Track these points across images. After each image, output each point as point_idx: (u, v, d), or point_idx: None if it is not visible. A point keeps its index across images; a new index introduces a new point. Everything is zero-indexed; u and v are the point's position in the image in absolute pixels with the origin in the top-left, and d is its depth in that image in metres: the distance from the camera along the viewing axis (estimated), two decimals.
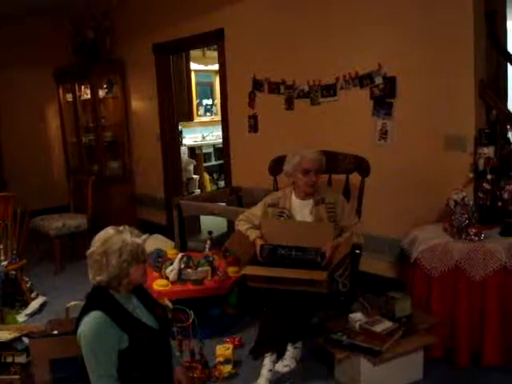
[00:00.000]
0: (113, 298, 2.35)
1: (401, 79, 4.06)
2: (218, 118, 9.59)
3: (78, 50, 6.90)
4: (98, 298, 2.33)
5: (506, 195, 3.40)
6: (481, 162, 3.58)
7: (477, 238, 3.27)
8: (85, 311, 2.30)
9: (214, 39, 5.52)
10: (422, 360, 3.16)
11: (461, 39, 3.70)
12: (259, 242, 3.36)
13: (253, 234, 3.44)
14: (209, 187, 8.83)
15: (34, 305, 4.48)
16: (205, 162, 9.05)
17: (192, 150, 8.82)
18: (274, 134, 5.02)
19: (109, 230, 2.40)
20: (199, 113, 9.65)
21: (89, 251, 2.37)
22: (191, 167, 8.34)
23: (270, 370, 3.10)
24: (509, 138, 3.92)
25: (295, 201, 3.53)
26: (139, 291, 2.53)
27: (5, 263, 4.35)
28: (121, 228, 2.42)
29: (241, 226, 3.56)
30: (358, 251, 3.41)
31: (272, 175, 4.08)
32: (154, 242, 4.86)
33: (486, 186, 3.53)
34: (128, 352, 2.26)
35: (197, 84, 9.26)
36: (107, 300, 2.33)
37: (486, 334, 3.18)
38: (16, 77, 7.06)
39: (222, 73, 5.53)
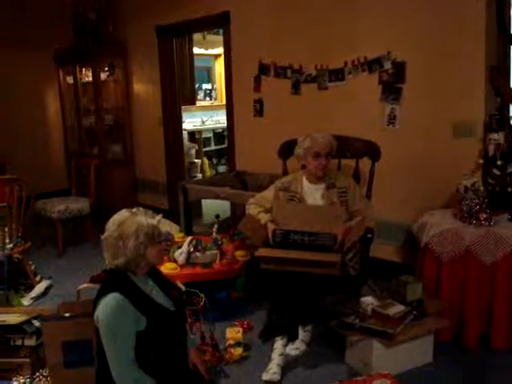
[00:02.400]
0: (130, 280, 2.34)
1: (410, 64, 4.05)
2: (218, 102, 9.62)
3: (79, 31, 6.80)
4: (116, 280, 2.33)
5: None
6: (491, 148, 3.60)
7: (487, 223, 3.29)
8: (102, 293, 2.29)
9: (219, 22, 5.48)
10: (433, 343, 3.18)
11: (471, 25, 3.69)
12: (271, 226, 3.37)
13: (264, 218, 3.44)
14: (208, 172, 8.81)
15: (40, 288, 4.46)
16: (204, 146, 9.01)
17: (191, 134, 8.79)
18: (280, 118, 5.00)
19: (123, 213, 2.39)
20: (198, 97, 9.60)
21: (104, 235, 2.35)
22: (193, 151, 8.32)
23: (281, 354, 3.12)
24: None
25: (306, 185, 3.53)
26: (154, 273, 2.53)
27: (10, 246, 4.32)
28: (134, 210, 2.42)
29: (252, 209, 3.56)
30: (369, 235, 3.42)
31: (282, 159, 4.07)
32: (161, 226, 4.84)
33: (496, 171, 3.55)
34: (145, 334, 2.26)
35: (196, 68, 9.20)
36: (125, 282, 2.32)
37: (494, 318, 3.23)
38: (15, 58, 6.94)
39: (227, 56, 5.49)
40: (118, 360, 2.21)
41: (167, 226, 4.57)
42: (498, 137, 3.58)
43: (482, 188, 3.41)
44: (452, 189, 3.61)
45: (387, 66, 4.14)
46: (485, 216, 3.30)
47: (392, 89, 4.15)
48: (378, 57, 4.18)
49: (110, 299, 2.23)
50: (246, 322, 3.69)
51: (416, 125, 4.07)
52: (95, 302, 2.31)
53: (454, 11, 3.75)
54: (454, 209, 3.55)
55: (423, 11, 3.91)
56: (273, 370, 3.05)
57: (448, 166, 3.89)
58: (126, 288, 2.29)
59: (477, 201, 3.33)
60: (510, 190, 3.47)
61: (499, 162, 3.54)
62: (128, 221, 2.33)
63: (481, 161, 3.68)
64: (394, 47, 4.09)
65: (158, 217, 2.45)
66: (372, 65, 4.24)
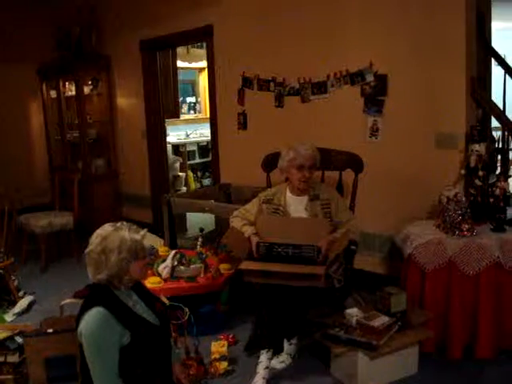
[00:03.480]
0: (113, 294, 2.33)
1: (392, 77, 4.09)
2: (202, 115, 9.62)
3: (63, 45, 6.80)
4: (99, 295, 2.31)
5: (497, 191, 3.44)
6: (472, 159, 3.62)
7: (469, 234, 3.31)
8: (85, 308, 2.27)
9: (202, 36, 5.50)
10: (417, 354, 3.19)
11: (452, 37, 3.74)
12: (255, 239, 3.37)
13: (248, 231, 3.44)
14: (193, 185, 8.79)
15: (23, 304, 4.41)
16: (189, 159, 9.00)
17: (176, 147, 8.77)
18: (263, 131, 5.02)
19: (106, 228, 2.37)
20: (183, 110, 9.59)
21: (87, 249, 2.33)
22: (177, 165, 8.31)
23: (266, 368, 3.10)
24: (493, 137, 3.99)
25: (290, 197, 3.53)
26: (138, 287, 2.51)
27: None
28: (118, 224, 2.40)
29: (236, 222, 3.56)
30: (353, 247, 3.43)
31: (265, 171, 4.08)
32: (145, 240, 4.82)
33: (478, 182, 3.57)
34: (129, 348, 2.24)
35: (180, 82, 9.20)
36: (108, 297, 2.30)
37: (479, 328, 3.23)
38: None
39: (210, 70, 5.52)
40: (101, 375, 2.19)
41: (151, 240, 4.55)
42: (480, 148, 3.60)
43: (464, 199, 3.44)
44: (434, 200, 3.64)
45: (369, 78, 4.18)
46: (467, 227, 3.32)
47: (374, 101, 4.19)
48: (360, 70, 4.22)
49: (94, 314, 2.21)
50: (230, 336, 3.67)
51: (398, 137, 4.10)
52: (78, 317, 2.28)
53: (435, 24, 3.80)
54: (436, 220, 3.57)
55: (404, 24, 3.96)
56: (258, 382, 3.03)
57: (430, 177, 3.92)
58: (110, 302, 2.27)
59: (459, 211, 3.35)
60: (491, 200, 3.48)
61: (481, 173, 3.56)
62: (111, 236, 2.31)
63: (463, 172, 3.71)
64: (375, 60, 4.13)
65: (143, 232, 2.44)
66: (354, 77, 4.27)
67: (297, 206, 3.51)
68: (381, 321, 3.06)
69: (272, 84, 4.87)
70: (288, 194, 3.55)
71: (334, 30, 4.37)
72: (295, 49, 4.65)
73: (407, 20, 3.94)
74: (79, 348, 2.29)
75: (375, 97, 4.18)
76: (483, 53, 3.95)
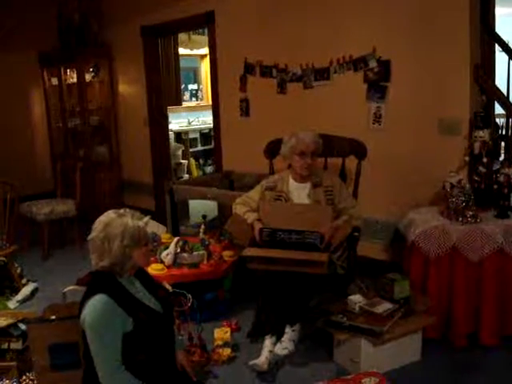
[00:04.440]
0: (116, 281, 2.32)
1: (395, 63, 4.06)
2: (204, 103, 9.60)
3: (64, 32, 6.77)
4: (102, 282, 2.30)
5: (501, 178, 3.42)
6: (476, 146, 3.60)
7: (473, 221, 3.30)
8: (88, 295, 2.26)
9: (204, 22, 5.46)
10: (421, 341, 3.19)
11: (456, 23, 3.71)
12: (257, 225, 3.36)
13: (251, 217, 3.44)
14: (195, 173, 8.79)
15: (26, 291, 4.42)
16: (191, 147, 8.99)
17: (178, 135, 8.76)
18: (266, 117, 5.00)
19: (110, 214, 2.35)
20: (185, 98, 9.57)
21: (90, 236, 2.32)
22: (179, 152, 8.30)
23: (270, 351, 3.12)
24: (497, 123, 3.96)
25: (293, 184, 3.53)
26: (141, 274, 2.50)
27: None
28: (122, 211, 2.38)
29: (238, 209, 3.56)
30: (356, 234, 3.43)
31: (268, 158, 4.06)
32: (148, 227, 4.82)
33: (482, 169, 3.55)
34: (132, 335, 2.23)
35: (181, 69, 9.17)
36: (111, 283, 2.30)
37: (482, 315, 3.23)
38: None
39: (212, 56, 5.49)
40: (104, 362, 2.19)
41: (154, 227, 4.55)
42: (484, 134, 3.58)
43: (467, 185, 3.42)
44: (438, 186, 3.62)
45: (372, 64, 4.15)
46: (471, 213, 3.31)
47: (377, 87, 4.16)
48: (363, 55, 4.19)
49: (97, 301, 2.20)
50: (233, 322, 3.67)
51: (402, 123, 4.08)
52: (81, 304, 2.28)
53: (439, 10, 3.76)
54: (440, 206, 3.56)
55: (408, 10, 3.92)
56: (262, 359, 3.06)
57: (434, 164, 3.89)
58: (113, 289, 2.27)
59: (463, 198, 3.34)
60: (495, 187, 3.47)
61: (485, 160, 3.55)
62: (114, 222, 2.30)
63: (466, 158, 3.69)
64: (379, 46, 4.10)
65: (146, 218, 2.42)
66: (357, 63, 4.24)
67: (300, 192, 3.50)
68: (384, 307, 3.07)
69: (274, 70, 4.84)
70: (291, 180, 3.54)
71: (337, 16, 4.33)
72: (298, 35, 4.61)
73: (411, 5, 3.91)
74: (82, 335, 2.29)
75: (378, 83, 4.15)
76: (487, 38, 3.91)
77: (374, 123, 4.22)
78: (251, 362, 3.07)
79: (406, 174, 4.08)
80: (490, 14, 4.08)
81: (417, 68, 3.95)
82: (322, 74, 4.48)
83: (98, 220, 2.35)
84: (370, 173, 4.01)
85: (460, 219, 3.32)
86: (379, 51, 4.10)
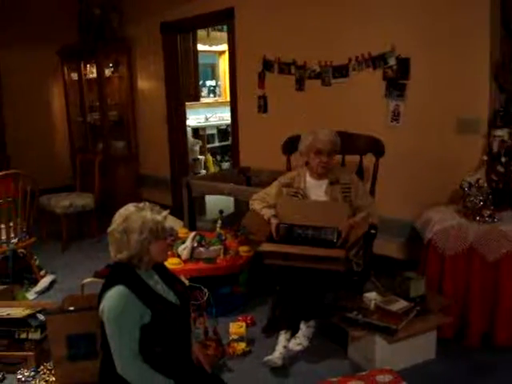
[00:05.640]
0: (135, 273, 2.35)
1: (414, 61, 4.04)
2: (222, 99, 9.62)
3: (84, 28, 6.83)
4: (121, 274, 2.33)
5: None
6: (495, 145, 3.58)
7: (491, 220, 3.28)
8: (107, 286, 2.29)
9: (223, 18, 5.49)
10: (435, 340, 3.18)
11: (476, 21, 3.68)
12: (274, 221, 3.38)
13: (268, 213, 3.45)
14: (212, 168, 8.82)
15: (44, 282, 4.48)
16: (208, 143, 9.02)
17: (195, 131, 8.80)
18: (284, 114, 5.00)
19: (129, 207, 2.38)
20: (202, 94, 9.61)
21: (109, 229, 2.35)
22: (197, 148, 8.33)
23: (285, 347, 3.14)
24: None
25: (310, 181, 3.53)
26: (159, 268, 2.53)
27: (15, 240, 4.34)
28: (141, 205, 2.41)
29: (255, 205, 3.57)
30: (373, 231, 3.42)
31: (285, 155, 4.07)
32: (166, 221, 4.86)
33: (500, 168, 3.53)
34: (150, 327, 2.26)
35: (199, 65, 9.20)
36: (130, 275, 2.32)
37: (498, 315, 3.22)
38: (20, 55, 6.97)
39: (231, 52, 5.51)
40: (122, 352, 2.21)
41: (171, 222, 4.58)
42: (503, 133, 3.56)
43: (485, 185, 3.41)
44: (456, 185, 3.60)
45: (391, 62, 4.14)
46: (488, 213, 3.29)
47: (396, 85, 4.15)
48: (382, 53, 4.18)
49: (115, 292, 2.24)
50: (249, 317, 3.70)
51: (420, 121, 4.07)
52: (100, 295, 2.31)
53: (458, 7, 3.74)
54: (457, 205, 3.54)
55: (427, 7, 3.90)
56: (276, 355, 3.08)
57: (452, 163, 3.88)
58: (131, 281, 2.29)
59: (480, 197, 3.33)
60: None
61: (503, 159, 3.52)
62: (133, 215, 2.33)
63: (485, 157, 3.66)
64: (398, 43, 4.09)
65: (165, 213, 2.44)
66: (376, 61, 4.23)
67: (316, 189, 3.51)
68: (399, 305, 3.07)
69: (293, 67, 4.84)
70: (308, 177, 3.55)
71: (356, 13, 4.32)
72: (317, 32, 4.61)
73: (430, 3, 3.89)
74: (100, 325, 2.32)
75: (397, 81, 4.14)
76: (507, 36, 3.88)
77: (392, 121, 4.21)
78: (265, 358, 3.09)
79: (424, 172, 4.07)
80: (511, 11, 4.04)
81: (436, 66, 3.93)
82: (341, 71, 4.48)
83: (117, 213, 2.38)
84: (387, 170, 3.99)
85: (477, 219, 3.30)
86: (398, 49, 4.08)
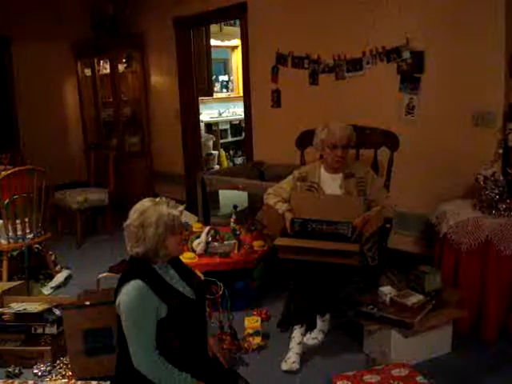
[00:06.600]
0: (151, 267, 2.36)
1: (429, 54, 4.02)
2: (235, 94, 9.62)
3: (97, 23, 6.85)
4: (137, 268, 2.34)
5: None
6: (511, 138, 3.56)
7: (507, 214, 3.26)
8: (124, 280, 2.30)
9: (236, 13, 5.48)
10: (451, 334, 3.17)
11: (491, 13, 3.65)
12: (289, 215, 3.37)
13: (282, 207, 3.44)
14: (225, 163, 8.84)
15: (59, 278, 4.51)
16: (221, 138, 9.04)
17: (208, 126, 8.82)
18: (297, 108, 5.00)
19: (145, 202, 2.39)
20: (215, 89, 9.61)
21: (126, 223, 2.36)
22: (210, 143, 8.35)
23: (299, 343, 3.13)
24: None
25: (324, 174, 3.52)
26: (175, 262, 2.53)
27: (30, 236, 4.37)
28: (157, 199, 2.42)
29: (270, 199, 3.57)
30: (388, 225, 3.41)
31: (299, 149, 4.06)
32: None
33: None
34: (166, 322, 2.27)
35: (212, 60, 9.19)
36: (146, 270, 2.33)
37: None
38: (33, 50, 7.00)
39: (244, 47, 5.50)
40: (138, 346, 2.22)
41: (186, 217, 4.60)
42: None
43: (501, 178, 3.38)
44: (471, 179, 3.58)
45: (406, 55, 4.11)
46: (504, 206, 3.27)
47: (410, 79, 4.13)
48: (396, 46, 4.16)
49: (132, 286, 2.24)
50: (264, 312, 3.70)
51: (435, 115, 4.04)
52: (117, 290, 2.32)
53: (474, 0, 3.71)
54: (473, 199, 3.52)
55: (441, 0, 3.87)
56: (291, 360, 3.06)
57: (467, 156, 3.85)
58: (148, 275, 2.30)
59: (496, 191, 3.31)
60: None
61: None
62: (149, 210, 2.33)
63: (500, 151, 3.64)
64: (412, 37, 4.06)
65: (181, 207, 2.44)
66: (390, 54, 4.21)
67: (331, 183, 3.49)
68: (415, 299, 3.06)
69: (306, 61, 4.83)
70: (322, 171, 3.53)
71: (370, 7, 4.29)
72: (330, 25, 4.60)
73: None
74: (117, 320, 2.33)
75: (411, 74, 4.12)
76: None
77: (406, 115, 4.19)
78: (283, 367, 3.06)
79: (439, 165, 4.05)
80: None
81: (451, 59, 3.90)
82: (355, 65, 4.46)
83: (133, 208, 2.38)
84: (402, 164, 3.97)
85: (493, 212, 3.29)
86: (413, 42, 4.06)
